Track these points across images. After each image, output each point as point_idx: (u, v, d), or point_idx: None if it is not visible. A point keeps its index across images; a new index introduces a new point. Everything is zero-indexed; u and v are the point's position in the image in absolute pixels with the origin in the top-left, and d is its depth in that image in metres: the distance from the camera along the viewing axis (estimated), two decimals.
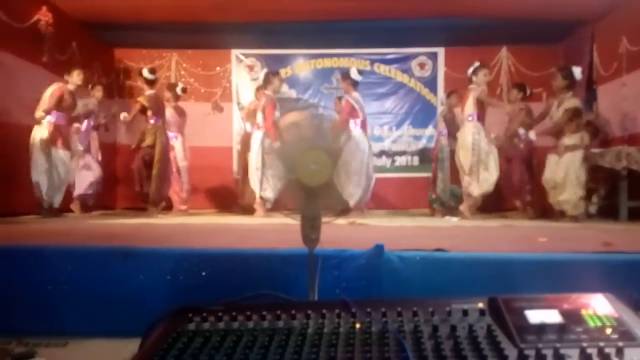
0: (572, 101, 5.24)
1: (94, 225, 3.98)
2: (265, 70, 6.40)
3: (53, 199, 5.36)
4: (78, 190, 6.12)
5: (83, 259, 1.77)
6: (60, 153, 5.37)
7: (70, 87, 5.56)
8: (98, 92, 6.63)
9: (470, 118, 5.48)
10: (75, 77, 5.60)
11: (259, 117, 5.92)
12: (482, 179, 5.35)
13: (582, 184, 5.08)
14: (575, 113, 5.20)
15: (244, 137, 6.88)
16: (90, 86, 6.63)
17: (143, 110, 6.01)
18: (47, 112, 5.25)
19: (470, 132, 5.43)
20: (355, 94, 6.01)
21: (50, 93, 5.34)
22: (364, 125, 5.99)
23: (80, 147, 5.83)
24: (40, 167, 5.21)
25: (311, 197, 1.36)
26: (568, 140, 5.17)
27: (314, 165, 1.30)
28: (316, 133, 1.40)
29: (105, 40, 7.91)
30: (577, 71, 5.30)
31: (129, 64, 8.21)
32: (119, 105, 7.00)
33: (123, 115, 6.07)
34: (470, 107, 5.48)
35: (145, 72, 6.10)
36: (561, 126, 5.20)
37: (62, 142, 5.41)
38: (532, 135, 5.79)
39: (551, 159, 5.26)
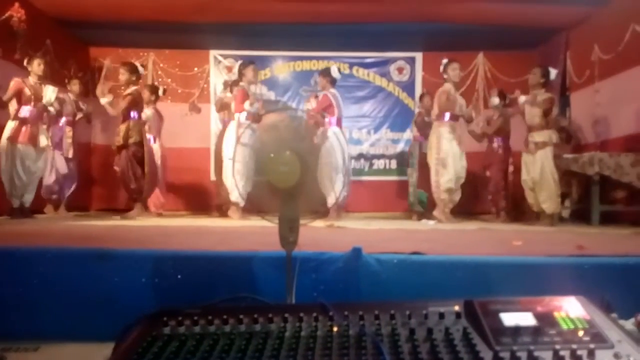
0: (547, 94, 5.31)
1: (68, 227, 3.89)
2: (239, 61, 6.28)
3: (22, 198, 5.21)
4: (43, 189, 5.90)
5: (55, 261, 1.73)
6: (23, 149, 5.17)
7: (32, 80, 5.34)
8: (75, 85, 6.48)
9: (438, 118, 5.54)
10: (36, 67, 5.35)
11: (232, 108, 5.85)
12: (446, 181, 5.36)
13: (557, 182, 5.18)
14: (553, 102, 5.31)
15: (220, 133, 6.74)
16: (66, 80, 6.49)
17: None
18: (2, 107, 5.09)
19: (435, 133, 5.51)
20: (333, 90, 5.99)
21: (10, 86, 5.19)
22: (339, 123, 5.94)
23: (46, 143, 5.45)
24: (4, 165, 5.08)
25: (288, 199, 1.36)
26: (538, 137, 5.23)
27: (284, 167, 1.30)
28: (290, 134, 1.40)
29: (81, 39, 7.78)
30: (554, 72, 5.43)
31: (104, 63, 8.08)
32: (94, 105, 6.86)
33: (106, 100, 5.70)
34: (436, 108, 5.56)
35: (140, 67, 5.95)
36: (538, 120, 5.26)
37: (28, 138, 5.20)
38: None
39: (526, 160, 5.32)
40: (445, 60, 5.63)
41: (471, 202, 6.59)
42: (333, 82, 6.02)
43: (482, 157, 6.46)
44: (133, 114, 5.73)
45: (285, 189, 1.33)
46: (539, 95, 5.26)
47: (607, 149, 5.81)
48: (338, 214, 5.64)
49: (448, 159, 5.35)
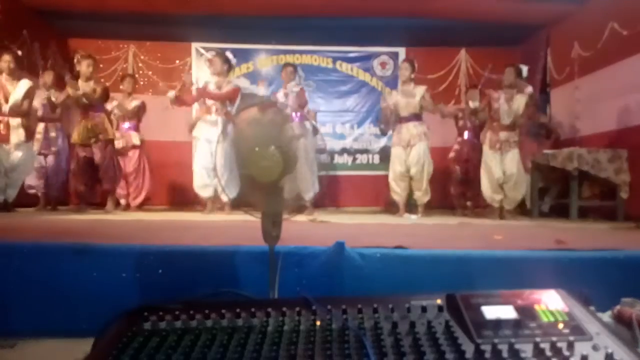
0: (526, 96, 5.38)
1: (45, 222, 3.83)
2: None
3: (5, 194, 5.15)
4: (25, 185, 5.83)
5: (32, 256, 1.69)
6: None
7: (2, 77, 5.20)
8: (48, 77, 6.32)
9: (410, 118, 5.65)
10: (3, 64, 5.20)
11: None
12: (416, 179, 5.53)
13: (526, 180, 5.38)
14: (535, 102, 5.42)
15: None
16: (41, 71, 6.37)
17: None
18: None
19: (396, 132, 5.66)
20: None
21: None
22: (309, 116, 5.99)
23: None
24: None
25: (271, 193, 1.35)
26: (511, 136, 5.35)
27: (265, 162, 1.30)
28: (271, 129, 1.39)
29: (60, 30, 7.62)
30: (525, 69, 5.48)
31: (88, 53, 7.92)
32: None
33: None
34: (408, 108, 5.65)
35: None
36: (520, 119, 5.34)
37: None
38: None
39: (492, 157, 5.39)
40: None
41: (447, 197, 6.70)
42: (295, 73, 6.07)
43: (455, 152, 6.52)
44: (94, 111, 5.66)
45: (267, 184, 1.33)
46: (516, 95, 5.33)
47: (586, 144, 5.90)
48: (314, 207, 5.66)
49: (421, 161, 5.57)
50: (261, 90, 6.24)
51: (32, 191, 6.02)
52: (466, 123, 6.37)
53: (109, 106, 6.25)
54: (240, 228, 3.13)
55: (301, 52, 8.29)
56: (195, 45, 8.14)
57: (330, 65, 8.29)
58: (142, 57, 8.05)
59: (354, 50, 8.34)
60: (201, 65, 8.15)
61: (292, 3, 6.71)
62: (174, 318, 1.02)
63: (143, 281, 1.67)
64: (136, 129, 6.52)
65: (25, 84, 5.31)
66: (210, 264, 1.70)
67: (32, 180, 5.98)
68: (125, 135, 6.39)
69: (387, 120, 5.94)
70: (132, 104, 6.46)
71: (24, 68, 5.68)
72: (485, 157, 5.48)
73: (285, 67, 6.12)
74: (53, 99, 6.12)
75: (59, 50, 7.62)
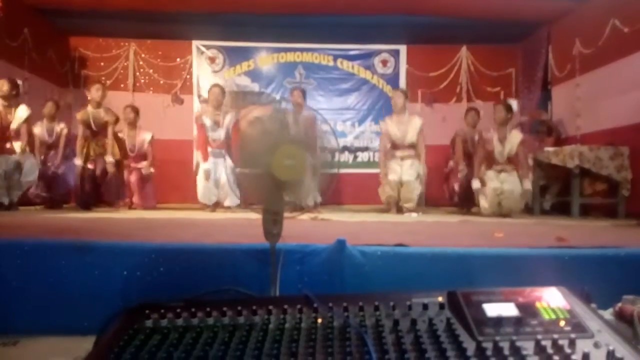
0: (518, 138, 5.28)
1: (47, 219, 3.83)
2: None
3: (10, 196, 5.19)
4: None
5: (34, 253, 1.69)
6: None
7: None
8: (50, 108, 6.17)
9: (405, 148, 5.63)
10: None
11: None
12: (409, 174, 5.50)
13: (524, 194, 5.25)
14: (524, 144, 5.34)
15: None
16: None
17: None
18: None
19: (389, 163, 5.64)
20: None
21: None
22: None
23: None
24: None
25: (276, 191, 1.34)
26: (509, 169, 5.26)
27: (289, 161, 1.29)
28: (293, 128, 1.38)
29: (61, 28, 7.62)
30: (514, 103, 5.46)
31: (84, 52, 7.95)
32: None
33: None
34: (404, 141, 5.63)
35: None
36: (505, 157, 5.27)
37: None
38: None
39: (494, 178, 5.28)
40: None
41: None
42: None
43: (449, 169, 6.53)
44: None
45: (288, 182, 1.32)
46: (510, 134, 5.26)
47: (587, 142, 5.89)
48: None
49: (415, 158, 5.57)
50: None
51: (37, 192, 6.03)
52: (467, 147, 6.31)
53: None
54: (241, 226, 3.14)
55: (302, 50, 8.28)
56: (195, 43, 8.13)
57: (331, 63, 8.28)
58: (142, 55, 8.04)
59: (354, 48, 8.33)
60: (202, 63, 8.15)
61: (293, 1, 6.70)
62: (175, 316, 1.02)
63: (144, 279, 1.67)
64: (145, 158, 6.46)
65: (24, 110, 5.35)
66: (212, 261, 1.70)
67: (38, 186, 5.99)
68: (135, 170, 6.34)
69: (385, 152, 5.87)
70: (144, 137, 6.37)
71: (19, 64, 5.69)
72: (485, 177, 5.35)
73: (293, 92, 6.11)
74: (59, 132, 6.18)
75: (62, 48, 7.63)
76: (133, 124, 6.32)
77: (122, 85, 6.75)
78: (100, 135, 5.85)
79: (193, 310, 1.02)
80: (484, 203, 5.30)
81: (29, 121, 5.41)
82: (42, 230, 2.56)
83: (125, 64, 7.99)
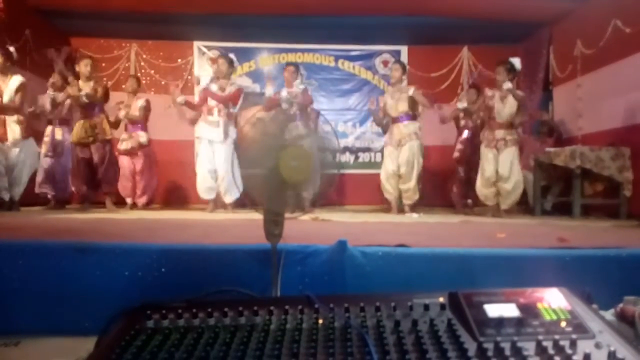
0: (519, 92, 5.36)
1: (48, 220, 3.84)
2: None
3: (11, 192, 5.18)
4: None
5: (35, 254, 1.69)
6: None
7: None
8: (55, 78, 6.32)
9: (400, 118, 5.67)
10: None
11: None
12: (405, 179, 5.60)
13: (522, 179, 5.34)
14: (524, 100, 5.40)
15: None
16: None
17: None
18: None
19: (388, 133, 5.73)
20: None
21: None
22: (312, 115, 6.07)
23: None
24: None
25: (279, 192, 1.34)
26: (508, 135, 5.30)
27: (295, 162, 1.29)
28: (305, 128, 1.38)
29: (62, 29, 7.63)
30: (517, 62, 5.32)
31: (85, 53, 7.94)
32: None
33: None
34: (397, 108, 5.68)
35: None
36: (508, 117, 5.31)
37: None
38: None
39: (489, 155, 5.36)
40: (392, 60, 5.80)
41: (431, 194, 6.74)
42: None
43: (459, 152, 6.51)
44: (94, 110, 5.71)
45: (294, 183, 1.32)
46: (510, 97, 5.27)
47: (588, 143, 5.89)
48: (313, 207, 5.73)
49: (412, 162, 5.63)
50: (269, 90, 6.23)
51: (42, 191, 6.05)
52: (467, 123, 6.35)
53: (121, 114, 6.35)
54: (242, 226, 3.14)
55: (303, 51, 8.28)
56: (197, 44, 8.14)
57: (332, 64, 8.29)
58: (144, 56, 8.05)
59: (356, 48, 8.33)
60: (203, 64, 8.16)
61: (294, 2, 6.71)
62: (176, 316, 1.02)
63: (145, 279, 1.67)
64: (144, 128, 6.53)
65: (17, 79, 5.29)
66: (213, 262, 1.71)
67: (42, 182, 6.03)
68: (134, 136, 6.40)
69: (380, 123, 6.04)
70: (138, 104, 6.46)
71: (20, 65, 5.68)
72: (481, 155, 5.47)
73: (287, 67, 6.14)
74: (56, 99, 6.12)
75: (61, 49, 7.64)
76: (134, 93, 6.46)
77: (123, 86, 6.76)
78: (92, 112, 5.74)
79: (194, 310, 1.03)
80: (478, 180, 5.47)
81: (22, 92, 5.31)
82: (43, 232, 2.57)
83: (127, 64, 8.00)
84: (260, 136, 1.43)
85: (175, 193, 7.83)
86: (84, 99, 5.57)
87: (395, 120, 5.71)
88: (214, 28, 7.65)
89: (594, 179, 5.50)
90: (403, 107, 5.64)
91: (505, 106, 5.28)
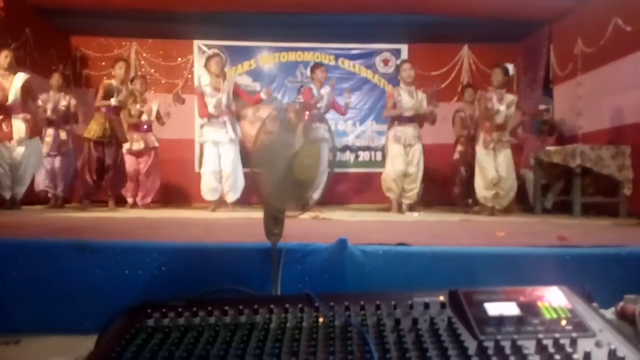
0: (513, 96, 5.54)
1: (48, 219, 3.84)
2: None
3: (13, 191, 5.19)
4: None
5: (35, 253, 1.70)
6: None
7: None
8: (56, 79, 6.33)
9: (412, 119, 5.71)
10: (2, 59, 5.17)
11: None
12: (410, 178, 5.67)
13: (515, 180, 5.48)
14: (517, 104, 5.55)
15: None
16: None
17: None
18: None
19: (395, 131, 5.75)
20: None
21: None
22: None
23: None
24: None
25: (287, 190, 1.34)
26: (504, 136, 5.42)
27: (308, 160, 1.29)
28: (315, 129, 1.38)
29: (62, 27, 7.62)
30: (510, 67, 5.62)
31: (86, 52, 7.95)
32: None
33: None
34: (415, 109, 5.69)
35: None
36: (504, 120, 5.42)
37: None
38: None
39: (485, 157, 5.44)
40: (399, 60, 5.80)
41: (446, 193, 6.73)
42: None
43: (459, 154, 6.52)
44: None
45: (304, 182, 1.32)
46: (506, 95, 5.44)
47: (588, 141, 5.89)
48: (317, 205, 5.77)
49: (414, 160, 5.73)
50: (263, 95, 6.22)
51: (43, 188, 6.06)
52: (466, 123, 6.34)
53: (144, 117, 6.39)
54: (243, 225, 3.14)
55: (303, 49, 8.27)
56: (197, 43, 8.13)
57: (333, 63, 8.27)
58: (144, 55, 8.05)
59: (356, 47, 8.32)
60: (202, 63, 8.14)
61: (294, 0, 6.70)
62: (176, 315, 1.02)
63: (146, 278, 1.67)
64: (151, 129, 6.55)
65: (21, 77, 5.27)
66: (213, 261, 1.71)
67: (44, 181, 6.05)
68: (145, 137, 6.39)
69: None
70: (154, 108, 6.50)
71: (20, 63, 5.67)
72: (479, 157, 5.52)
73: (321, 67, 6.28)
74: (70, 103, 6.27)
75: (63, 48, 7.63)
76: (142, 94, 6.48)
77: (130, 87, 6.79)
78: (116, 114, 5.81)
79: (195, 309, 1.03)
80: (479, 182, 5.51)
81: (27, 88, 5.29)
82: (44, 230, 2.57)
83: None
84: (275, 134, 1.42)
85: (176, 191, 7.83)
86: (144, 117, 5.98)
87: (405, 119, 5.70)
88: (213, 27, 7.64)
89: (594, 178, 5.49)
90: (417, 110, 5.69)
91: (502, 108, 5.35)
